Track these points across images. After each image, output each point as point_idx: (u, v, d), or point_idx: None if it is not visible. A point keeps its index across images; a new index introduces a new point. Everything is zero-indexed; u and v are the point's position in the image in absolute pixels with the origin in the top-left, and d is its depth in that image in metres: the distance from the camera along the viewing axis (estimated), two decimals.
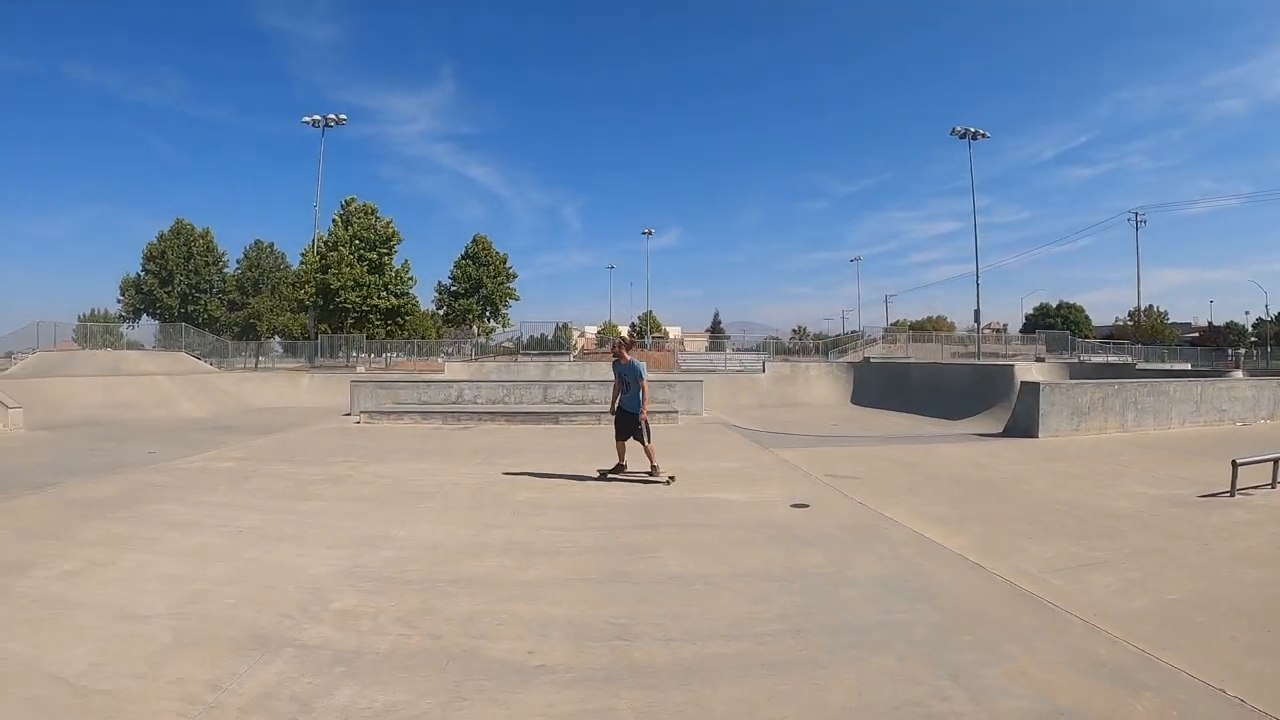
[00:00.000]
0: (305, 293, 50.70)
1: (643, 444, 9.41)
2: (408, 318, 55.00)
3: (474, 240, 66.21)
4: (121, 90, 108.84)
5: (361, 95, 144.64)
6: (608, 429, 10.86)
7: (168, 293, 58.53)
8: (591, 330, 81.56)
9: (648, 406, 9.37)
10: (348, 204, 55.05)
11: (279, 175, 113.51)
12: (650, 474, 9.51)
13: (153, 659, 4.18)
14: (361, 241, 52.59)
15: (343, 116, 55.24)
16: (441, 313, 65.20)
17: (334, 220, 54.15)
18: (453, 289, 65.15)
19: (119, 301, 60.73)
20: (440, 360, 46.25)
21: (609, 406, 10.16)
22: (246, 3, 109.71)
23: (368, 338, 50.51)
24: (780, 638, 4.48)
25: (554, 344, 62.22)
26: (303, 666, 4.10)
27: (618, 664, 4.12)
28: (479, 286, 64.06)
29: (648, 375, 9.43)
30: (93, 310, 66.94)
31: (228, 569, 5.93)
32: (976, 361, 35.17)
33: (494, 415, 18.13)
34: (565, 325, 69.52)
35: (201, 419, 24.78)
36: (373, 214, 54.73)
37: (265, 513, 7.99)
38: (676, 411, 18.67)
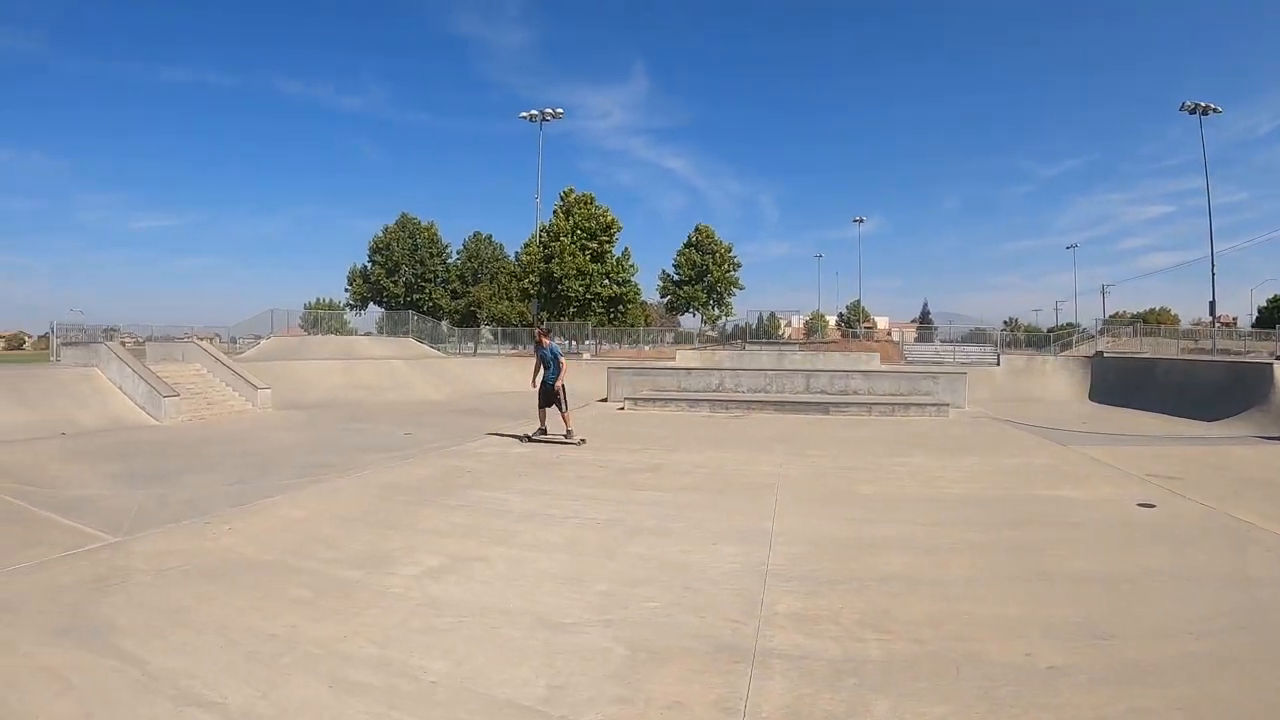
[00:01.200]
0: (529, 281, 52.45)
1: (561, 411, 11.44)
2: (629, 306, 55.69)
3: (696, 229, 66.69)
4: (327, 99, 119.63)
5: (557, 94, 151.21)
6: (884, 421, 11.30)
7: (394, 282, 62.62)
8: (798, 320, 79.09)
9: (563, 378, 11.44)
10: (567, 194, 56.40)
11: (484, 172, 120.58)
12: (566, 437, 11.39)
13: (623, 678, 3.73)
14: (582, 231, 53.65)
15: (559, 110, 56.49)
16: (665, 301, 66.02)
17: (554, 211, 55.66)
18: (676, 277, 65.75)
19: (346, 290, 65.77)
20: (661, 347, 46.04)
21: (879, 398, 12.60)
22: (441, 15, 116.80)
23: (594, 325, 51.43)
24: (1231, 634, 4.26)
25: (759, 333, 61.03)
26: (808, 680, 3.71)
27: (1112, 663, 3.92)
28: (704, 274, 64.53)
29: (564, 358, 11.70)
30: (318, 299, 72.86)
31: (618, 566, 5.62)
32: (1223, 359, 30.40)
33: (762, 404, 17.64)
34: (772, 315, 68.36)
35: (440, 401, 25.75)
36: (591, 203, 55.76)
37: (607, 503, 7.76)
38: (947, 404, 17.35)
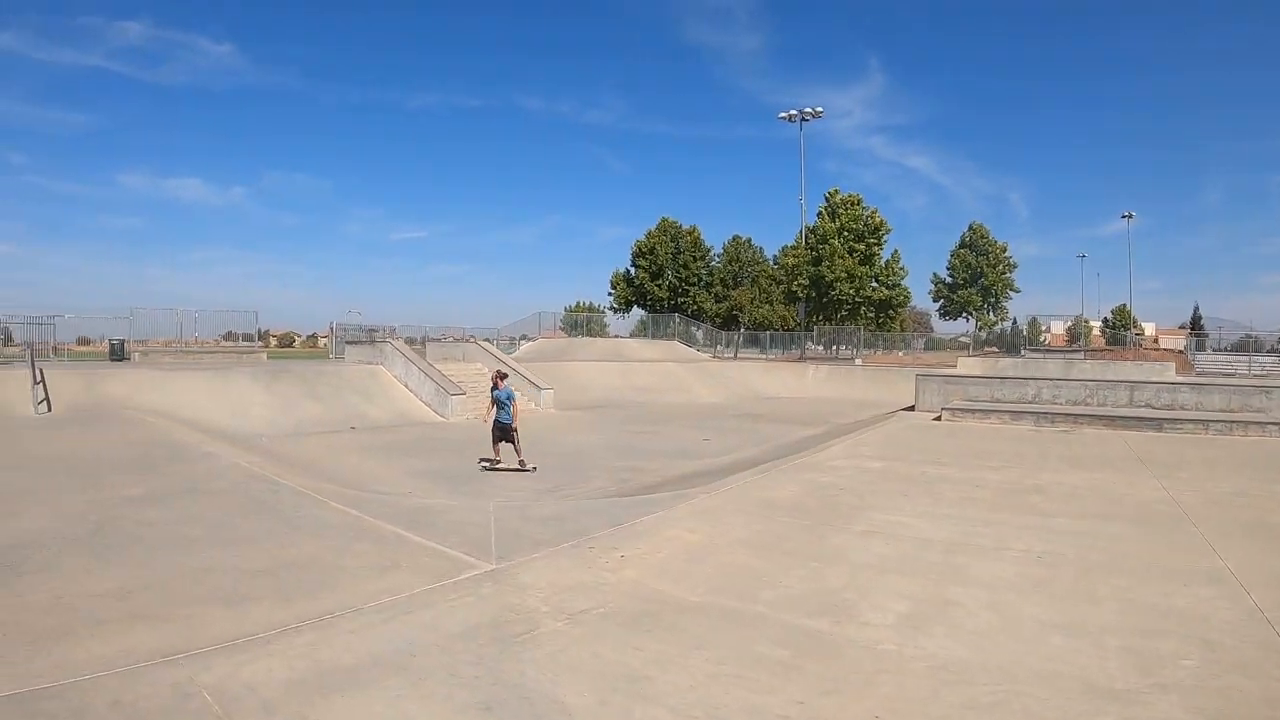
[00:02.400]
0: (798, 285, 50.91)
1: (514, 446, 11.95)
2: (898, 310, 52.67)
3: (970, 228, 61.84)
4: (569, 114, 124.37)
5: (794, 95, 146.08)
6: (1229, 441, 12.36)
7: (658, 285, 63.38)
8: (1060, 326, 70.35)
9: (517, 420, 12.07)
10: (832, 195, 54.32)
11: (726, 176, 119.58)
12: (520, 466, 11.78)
13: None
14: (849, 233, 51.33)
15: (819, 109, 54.69)
16: (938, 306, 61.89)
17: (819, 212, 53.76)
18: (949, 280, 61.45)
19: (610, 294, 67.39)
20: (918, 353, 42.55)
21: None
22: (672, 26, 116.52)
23: (867, 330, 49.03)
24: None
25: (1017, 340, 55.21)
26: None
27: None
28: (978, 276, 59.76)
29: (518, 398, 12.47)
30: (577, 302, 74.81)
31: (1108, 613, 4.54)
32: None
33: (1089, 418, 15.10)
34: (1033, 319, 61.65)
35: (718, 405, 24.83)
36: (858, 204, 53.24)
37: (1024, 531, 6.52)
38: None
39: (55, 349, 26.41)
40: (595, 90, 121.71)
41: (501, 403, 11.99)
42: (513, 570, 5.28)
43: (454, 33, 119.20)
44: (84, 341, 30.69)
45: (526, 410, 20.50)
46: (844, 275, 49.06)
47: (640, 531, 6.33)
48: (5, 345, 25.94)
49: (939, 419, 16.25)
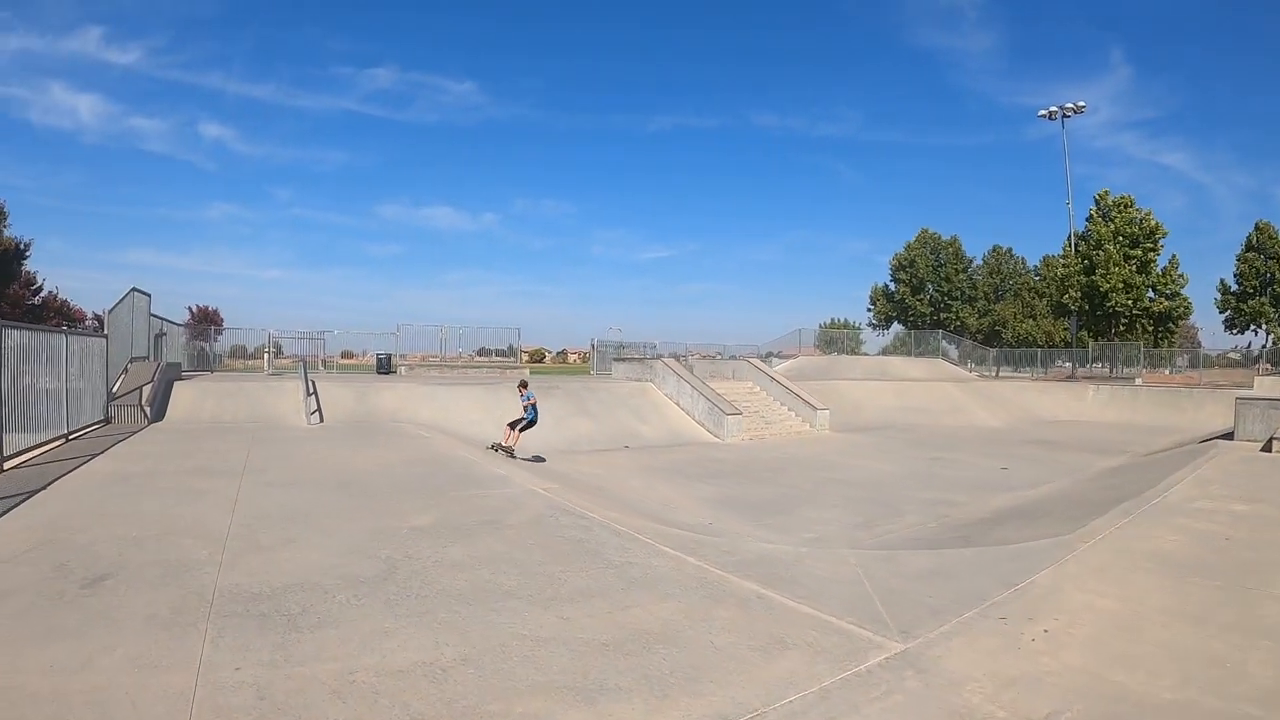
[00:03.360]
0: (1070, 297, 47.17)
1: (514, 433, 13.62)
2: (1178, 322, 47.28)
3: (1256, 227, 53.96)
4: (802, 129, 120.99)
5: (1035, 95, 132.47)
6: None
7: (920, 300, 60.93)
8: None
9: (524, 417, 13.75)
10: (1102, 198, 49.68)
11: (972, 184, 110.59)
12: (506, 449, 13.50)
13: None
14: (1124, 238, 46.77)
15: (1080, 104, 50.44)
16: (1224, 317, 54.87)
17: (1089, 216, 49.40)
18: (1236, 288, 54.27)
19: (869, 310, 65.53)
20: (1188, 372, 37.59)
21: None
22: (900, 33, 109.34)
23: (1148, 346, 44.40)
24: None
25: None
26: None
27: None
28: (1268, 283, 52.24)
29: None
30: (831, 319, 73.23)
31: None
32: None
33: None
34: None
35: (1000, 429, 23.53)
36: (1130, 206, 48.26)
37: None
38: None
39: (324, 362, 28.45)
40: (827, 103, 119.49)
41: (524, 408, 13.73)
42: (930, 653, 4.28)
43: (683, 57, 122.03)
44: (348, 356, 33.31)
45: (802, 432, 20.48)
46: (1120, 285, 44.83)
47: (1042, 594, 5.50)
48: (277, 358, 28.16)
49: (1268, 449, 14.53)
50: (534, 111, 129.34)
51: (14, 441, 9.64)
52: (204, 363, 25.63)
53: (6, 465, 9.04)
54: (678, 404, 21.24)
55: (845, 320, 69.78)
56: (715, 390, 20.69)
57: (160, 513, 7.07)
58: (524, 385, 14.62)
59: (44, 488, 7.96)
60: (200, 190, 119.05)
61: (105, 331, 14.25)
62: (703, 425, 20.00)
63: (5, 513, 6.70)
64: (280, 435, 13.18)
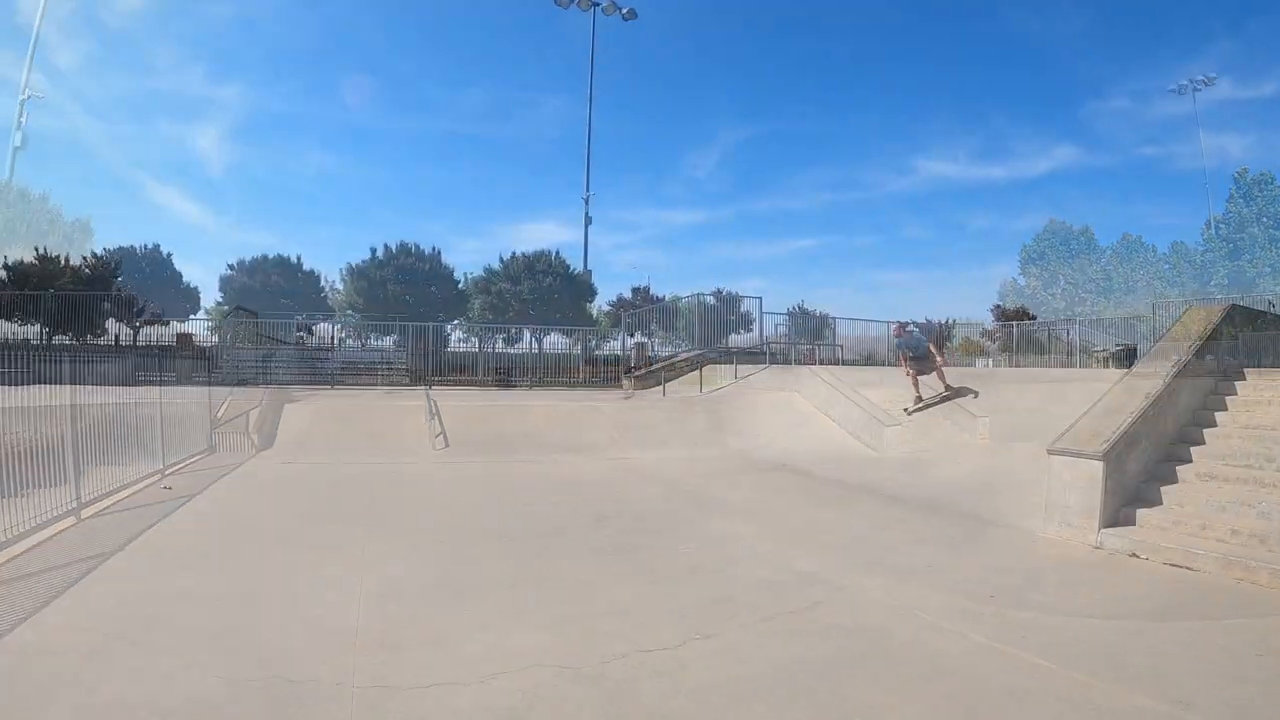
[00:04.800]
0: (1216, 283, 42.82)
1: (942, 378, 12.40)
2: None
3: None
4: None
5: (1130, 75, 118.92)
6: None
7: (1052, 294, 56.42)
8: None
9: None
10: (1241, 175, 45.16)
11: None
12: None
13: None
14: (1267, 219, 42.33)
15: (1211, 76, 46.33)
16: None
17: (1230, 196, 45.01)
18: None
19: (998, 305, 61.06)
20: None
21: None
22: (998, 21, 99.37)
23: None
24: None
25: None
26: None
27: None
28: None
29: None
30: (949, 318, 68.20)
31: None
32: None
33: None
34: None
35: None
36: (1272, 183, 43.67)
37: None
38: None
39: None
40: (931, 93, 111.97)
41: (909, 347, 12.77)
42: None
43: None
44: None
45: (963, 443, 17.47)
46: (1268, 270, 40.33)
47: None
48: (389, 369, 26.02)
49: None
50: None
51: (103, 478, 7.90)
52: (319, 380, 24.20)
53: (85, 513, 7.14)
54: (828, 415, 18.95)
55: (961, 320, 65.16)
56: (868, 398, 18.40)
57: (254, 594, 4.88)
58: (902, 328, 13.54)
59: (115, 553, 5.87)
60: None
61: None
62: (857, 438, 17.64)
63: (43, 606, 4.52)
64: (404, 464, 11.09)
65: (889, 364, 27.45)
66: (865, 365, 25.34)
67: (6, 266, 32.44)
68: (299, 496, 8.36)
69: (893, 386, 13.63)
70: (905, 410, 12.46)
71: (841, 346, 25.75)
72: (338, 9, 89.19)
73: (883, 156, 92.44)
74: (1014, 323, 33.77)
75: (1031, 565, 5.61)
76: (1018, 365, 30.86)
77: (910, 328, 14.60)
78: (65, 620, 4.24)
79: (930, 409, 13.08)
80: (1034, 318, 49.58)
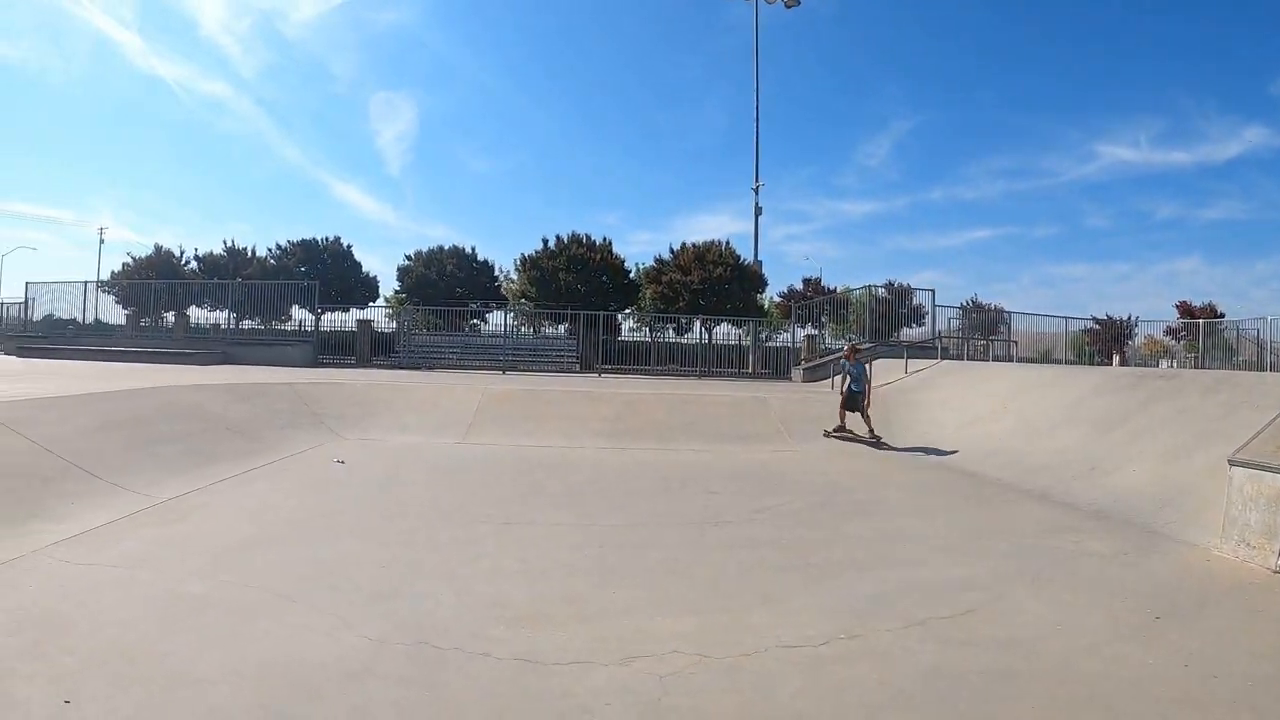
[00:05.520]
0: None
1: (864, 416, 12.47)
2: None
3: None
4: None
5: None
6: None
7: None
8: None
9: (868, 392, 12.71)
10: None
11: None
12: (872, 437, 12.24)
13: None
14: None
15: None
16: None
17: None
18: None
19: None
20: None
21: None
22: None
23: None
24: None
25: None
26: None
27: None
28: None
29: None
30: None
31: None
32: None
33: None
34: None
35: None
36: None
37: None
38: None
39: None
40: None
41: (852, 375, 12.79)
42: None
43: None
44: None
45: None
46: None
47: None
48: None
49: None
50: None
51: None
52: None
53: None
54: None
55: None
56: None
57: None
58: (855, 352, 13.66)
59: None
60: None
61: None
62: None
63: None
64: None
65: (1067, 362, 25.88)
66: (1041, 363, 24.47)
67: (198, 257, 36.20)
68: (465, 475, 8.57)
69: (1067, 388, 12.51)
70: (825, 432, 12.62)
71: (1016, 343, 25.67)
72: (504, 11, 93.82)
73: (1061, 142, 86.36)
74: (1200, 320, 30.74)
75: (1203, 587, 5.03)
76: (1202, 367, 27.61)
77: (863, 350, 15.17)
78: (234, 577, 4.48)
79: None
80: (1222, 315, 43.96)
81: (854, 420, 12.58)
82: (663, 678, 3.28)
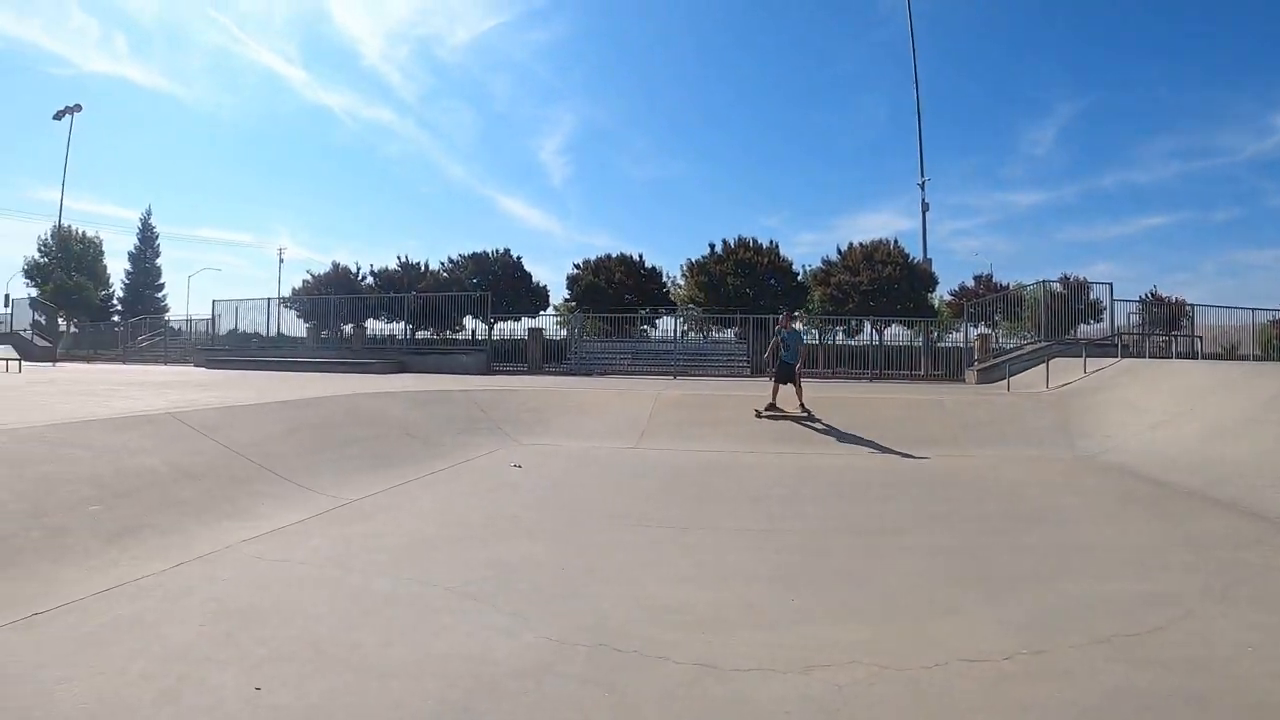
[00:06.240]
0: None
1: (796, 389, 12.67)
2: None
3: None
4: None
5: None
6: None
7: None
8: None
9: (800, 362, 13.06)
10: None
11: None
12: (802, 412, 12.57)
13: None
14: None
15: None
16: None
17: None
18: None
19: None
20: None
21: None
22: None
23: None
24: None
25: None
26: None
27: None
28: None
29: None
30: None
31: None
32: None
33: None
34: None
35: None
36: None
37: None
38: None
39: None
40: None
41: (787, 343, 12.80)
42: None
43: None
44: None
45: None
46: None
47: None
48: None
49: None
50: None
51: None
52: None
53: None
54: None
55: None
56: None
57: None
58: (792, 318, 14.31)
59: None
60: None
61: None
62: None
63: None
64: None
65: (1254, 358, 23.28)
66: (1228, 359, 22.63)
67: (373, 272, 38.77)
68: (639, 480, 8.66)
69: (1256, 387, 11.06)
70: (756, 412, 12.56)
71: (1200, 338, 24.09)
72: (656, 20, 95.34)
73: (1235, 115, 76.90)
74: None
75: None
76: None
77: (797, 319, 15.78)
78: (417, 574, 4.68)
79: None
80: None
81: (786, 397, 12.62)
82: (842, 688, 3.25)
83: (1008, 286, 31.97)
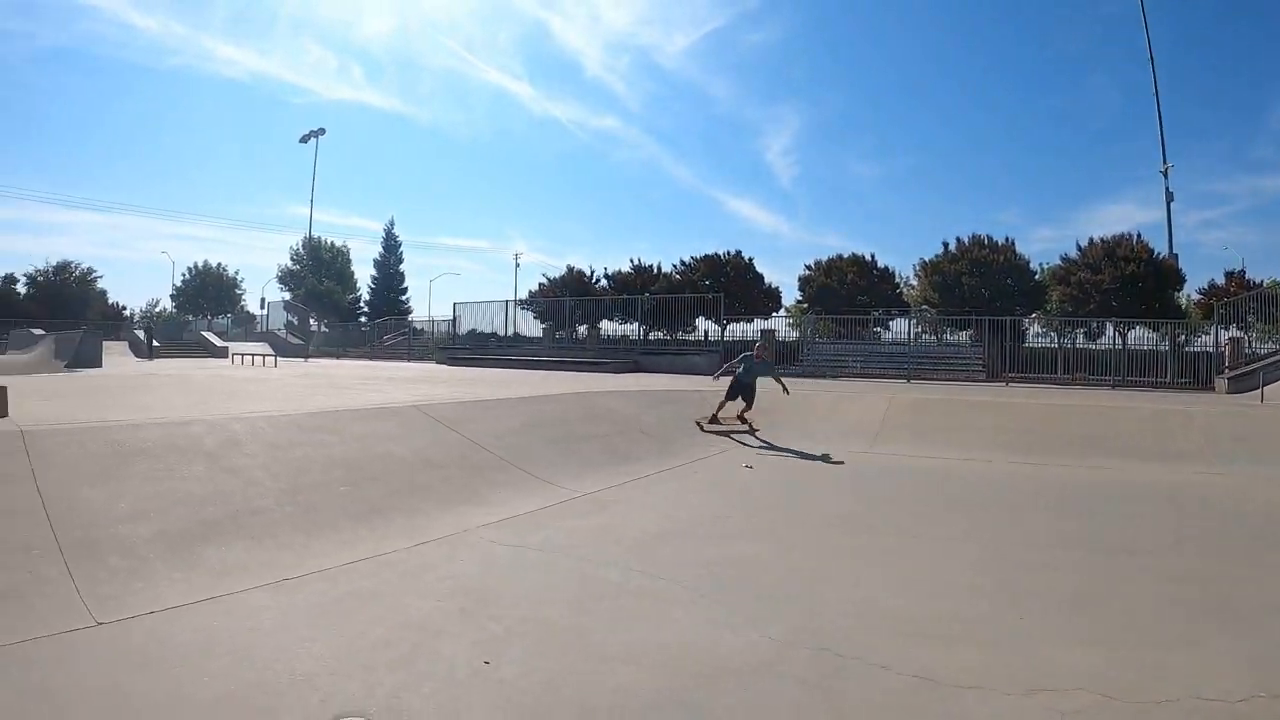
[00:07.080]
0: None
1: (747, 406, 12.30)
2: None
3: None
4: None
5: None
6: None
7: None
8: None
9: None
10: None
11: None
12: (741, 422, 12.25)
13: None
14: None
15: None
16: None
17: None
18: None
19: None
20: None
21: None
22: None
23: None
24: None
25: None
26: None
27: None
28: None
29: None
30: None
31: None
32: None
33: None
34: None
35: None
36: None
37: None
38: None
39: None
40: None
41: (750, 370, 12.27)
42: None
43: None
44: None
45: None
46: None
47: None
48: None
49: None
50: None
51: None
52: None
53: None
54: None
55: None
56: None
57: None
58: (765, 348, 13.62)
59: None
60: None
61: None
62: None
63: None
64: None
65: None
66: None
67: (607, 275, 40.11)
68: (870, 485, 8.51)
69: None
70: (698, 424, 11.99)
71: None
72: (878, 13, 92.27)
73: None
74: None
75: None
76: None
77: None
78: (645, 567, 4.83)
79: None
80: None
81: (729, 412, 12.25)
82: (1065, 715, 3.08)
83: (1262, 283, 29.12)
